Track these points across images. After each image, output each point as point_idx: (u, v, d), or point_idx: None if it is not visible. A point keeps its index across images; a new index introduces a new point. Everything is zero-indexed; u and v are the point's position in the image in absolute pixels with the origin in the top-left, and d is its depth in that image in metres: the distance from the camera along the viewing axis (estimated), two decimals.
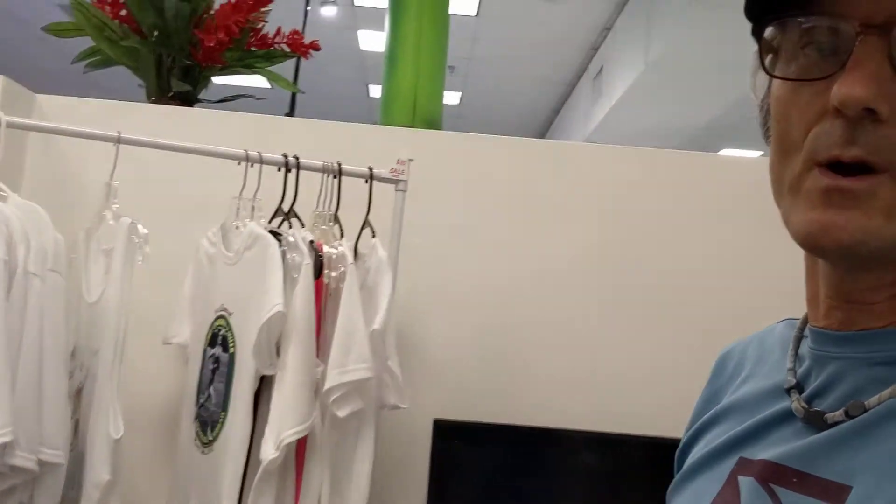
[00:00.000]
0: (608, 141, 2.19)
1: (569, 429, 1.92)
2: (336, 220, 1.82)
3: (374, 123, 2.41)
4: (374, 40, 7.64)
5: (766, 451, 0.58)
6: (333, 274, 1.60)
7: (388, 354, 1.57)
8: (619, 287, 2.11)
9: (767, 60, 0.56)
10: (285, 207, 1.82)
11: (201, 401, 1.65)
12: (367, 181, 1.80)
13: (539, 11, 6.86)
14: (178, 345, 1.79)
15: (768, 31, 0.55)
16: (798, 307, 0.66)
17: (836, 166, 0.51)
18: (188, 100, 2.15)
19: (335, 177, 1.83)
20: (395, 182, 1.87)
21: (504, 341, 2.06)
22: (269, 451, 1.49)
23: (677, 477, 0.70)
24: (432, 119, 2.26)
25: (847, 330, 0.57)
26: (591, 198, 2.16)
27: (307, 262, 1.61)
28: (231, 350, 1.66)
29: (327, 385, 1.52)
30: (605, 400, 2.03)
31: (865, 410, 0.53)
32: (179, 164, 1.82)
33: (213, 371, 1.64)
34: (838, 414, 0.54)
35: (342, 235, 1.78)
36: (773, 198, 0.58)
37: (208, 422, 1.62)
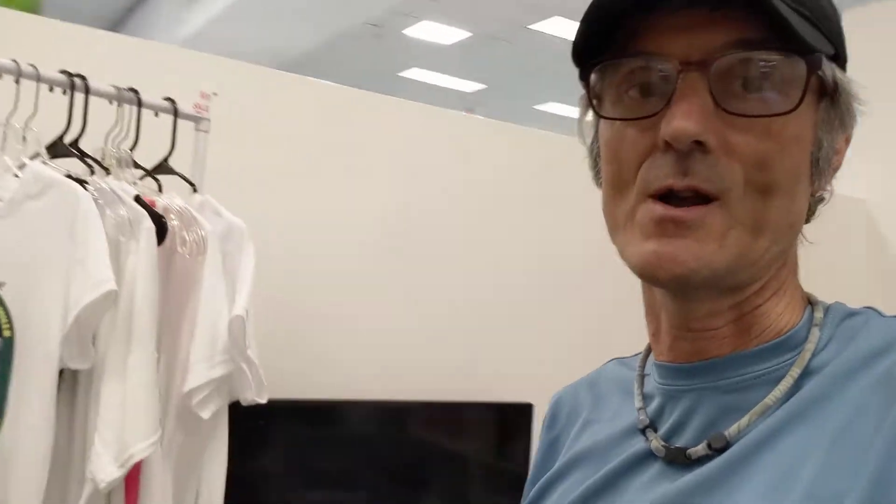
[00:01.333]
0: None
1: (359, 400, 1.89)
2: (137, 165, 1.49)
3: None
4: None
5: (633, 501, 0.58)
6: (188, 238, 1.32)
7: (248, 343, 1.35)
8: (406, 247, 2.10)
9: (595, 104, 0.58)
10: (68, 139, 1.43)
11: None
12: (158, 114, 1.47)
13: None
14: None
15: (594, 76, 0.57)
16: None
17: (668, 197, 0.54)
18: None
19: (119, 104, 1.48)
20: (197, 120, 1.58)
21: (292, 318, 1.91)
22: (108, 469, 1.18)
23: None
24: None
25: (694, 361, 0.58)
26: (394, 155, 2.09)
27: (148, 225, 1.30)
28: (5, 334, 1.26)
29: (195, 383, 1.26)
30: (392, 367, 2.03)
31: (727, 441, 0.54)
32: None
33: None
34: (701, 448, 0.55)
35: (160, 189, 1.47)
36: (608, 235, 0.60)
37: None
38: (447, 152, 2.22)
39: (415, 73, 8.83)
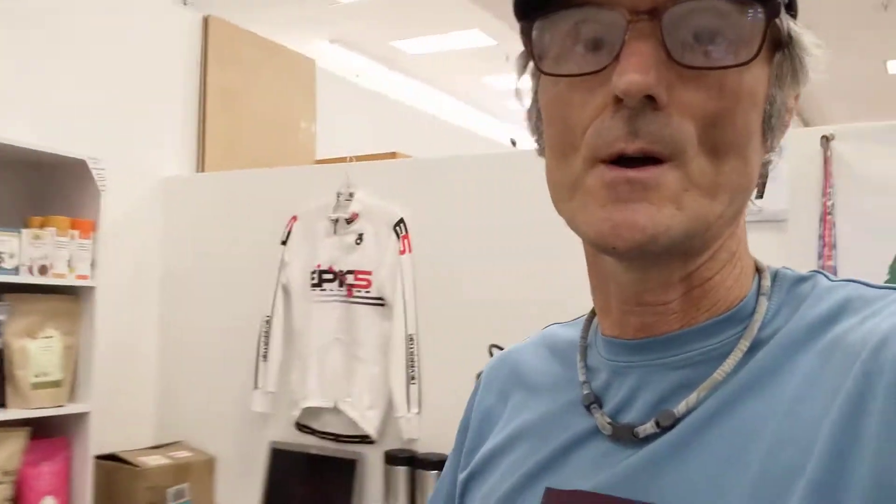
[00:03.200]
0: None
1: None
2: None
3: None
4: None
5: (579, 479, 0.55)
6: None
7: None
8: None
9: (538, 60, 0.54)
10: None
11: None
12: None
13: None
14: None
15: (535, 31, 0.53)
16: None
17: (620, 161, 0.50)
18: None
19: None
20: None
21: None
22: None
23: None
24: None
25: (643, 337, 0.56)
26: None
27: None
28: None
29: None
30: None
31: (675, 418, 0.52)
32: None
33: None
34: (649, 426, 0.53)
35: None
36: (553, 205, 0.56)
37: None
38: None
39: None
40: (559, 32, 0.52)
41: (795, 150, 1.95)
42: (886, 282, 2.20)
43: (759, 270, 0.58)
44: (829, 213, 1.89)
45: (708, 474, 0.49)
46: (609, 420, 0.56)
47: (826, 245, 1.89)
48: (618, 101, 0.49)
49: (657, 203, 0.49)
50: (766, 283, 0.57)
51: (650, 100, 0.49)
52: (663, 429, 0.53)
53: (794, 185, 1.98)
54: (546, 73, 0.54)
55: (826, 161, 1.95)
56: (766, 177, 0.57)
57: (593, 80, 0.51)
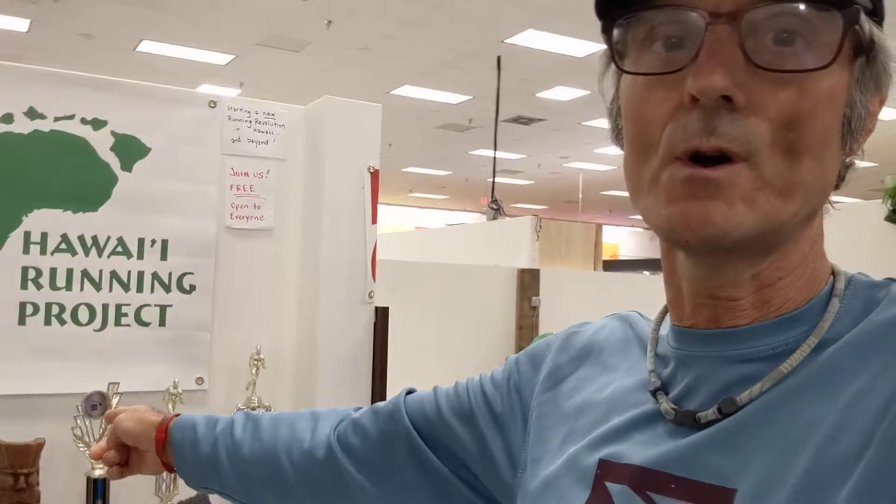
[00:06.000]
0: None
1: None
2: None
3: None
4: None
5: (636, 455, 0.58)
6: None
7: None
8: None
9: (618, 59, 0.56)
10: None
11: None
12: None
13: None
14: None
15: (617, 31, 0.55)
16: None
17: (695, 158, 0.52)
18: None
19: None
20: None
21: None
22: None
23: (538, 484, 0.66)
24: None
25: (713, 328, 0.58)
26: None
27: None
28: None
29: None
30: None
31: (738, 406, 0.54)
32: None
33: None
34: (711, 412, 0.55)
35: None
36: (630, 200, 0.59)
37: None
38: None
39: None
40: (639, 32, 0.55)
41: None
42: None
43: (833, 274, 0.59)
44: None
45: (762, 458, 0.51)
46: (673, 406, 0.58)
47: None
48: (694, 100, 0.51)
49: (729, 201, 0.51)
50: (840, 286, 0.57)
51: (726, 100, 0.50)
52: (725, 416, 0.55)
53: None
54: (625, 72, 0.56)
55: None
56: (844, 179, 0.58)
57: (671, 79, 0.52)
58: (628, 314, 0.73)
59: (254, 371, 1.86)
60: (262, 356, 1.86)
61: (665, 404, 0.59)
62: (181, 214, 1.83)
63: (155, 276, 1.80)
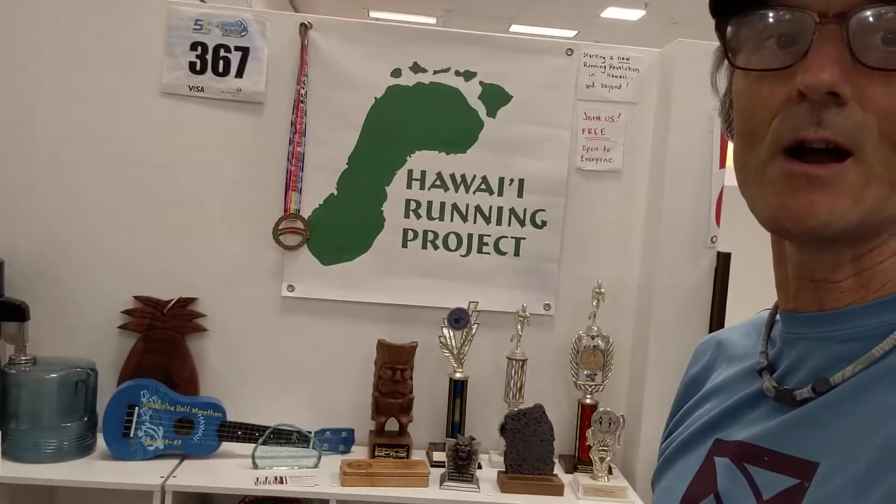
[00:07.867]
0: None
1: None
2: None
3: None
4: None
5: (741, 432, 0.62)
6: None
7: None
8: None
9: (731, 55, 0.58)
10: None
11: None
12: None
13: None
14: None
15: (730, 29, 0.58)
16: None
17: (800, 151, 0.53)
18: None
19: None
20: None
21: None
22: None
23: (661, 460, 0.73)
24: None
25: (815, 311, 0.60)
26: None
27: None
28: None
29: None
30: None
31: (830, 386, 0.56)
32: None
33: None
34: (805, 390, 0.58)
35: None
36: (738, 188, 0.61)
37: None
38: None
39: None
40: (752, 30, 0.57)
41: (276, 33, 1.98)
42: None
43: None
44: (302, 101, 1.97)
45: (843, 437, 0.54)
46: (774, 384, 0.61)
47: (297, 132, 1.98)
48: (802, 95, 0.53)
49: (834, 196, 0.53)
50: None
51: (834, 96, 0.52)
52: (818, 394, 0.57)
53: (272, 68, 1.99)
54: (738, 67, 0.59)
55: (303, 49, 1.98)
56: None
57: (781, 75, 0.55)
58: (758, 314, 0.75)
59: (594, 303, 2.00)
60: (602, 290, 2.00)
61: (767, 383, 0.62)
62: (537, 157, 2.02)
63: (512, 211, 2.03)
